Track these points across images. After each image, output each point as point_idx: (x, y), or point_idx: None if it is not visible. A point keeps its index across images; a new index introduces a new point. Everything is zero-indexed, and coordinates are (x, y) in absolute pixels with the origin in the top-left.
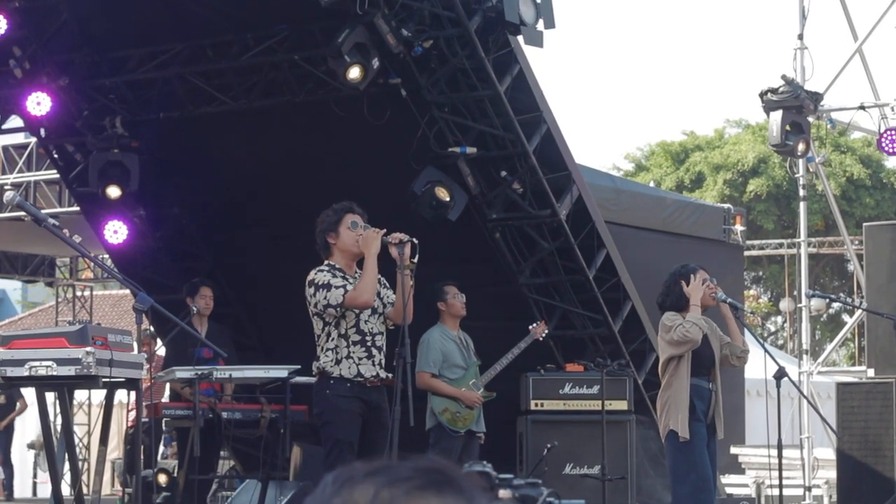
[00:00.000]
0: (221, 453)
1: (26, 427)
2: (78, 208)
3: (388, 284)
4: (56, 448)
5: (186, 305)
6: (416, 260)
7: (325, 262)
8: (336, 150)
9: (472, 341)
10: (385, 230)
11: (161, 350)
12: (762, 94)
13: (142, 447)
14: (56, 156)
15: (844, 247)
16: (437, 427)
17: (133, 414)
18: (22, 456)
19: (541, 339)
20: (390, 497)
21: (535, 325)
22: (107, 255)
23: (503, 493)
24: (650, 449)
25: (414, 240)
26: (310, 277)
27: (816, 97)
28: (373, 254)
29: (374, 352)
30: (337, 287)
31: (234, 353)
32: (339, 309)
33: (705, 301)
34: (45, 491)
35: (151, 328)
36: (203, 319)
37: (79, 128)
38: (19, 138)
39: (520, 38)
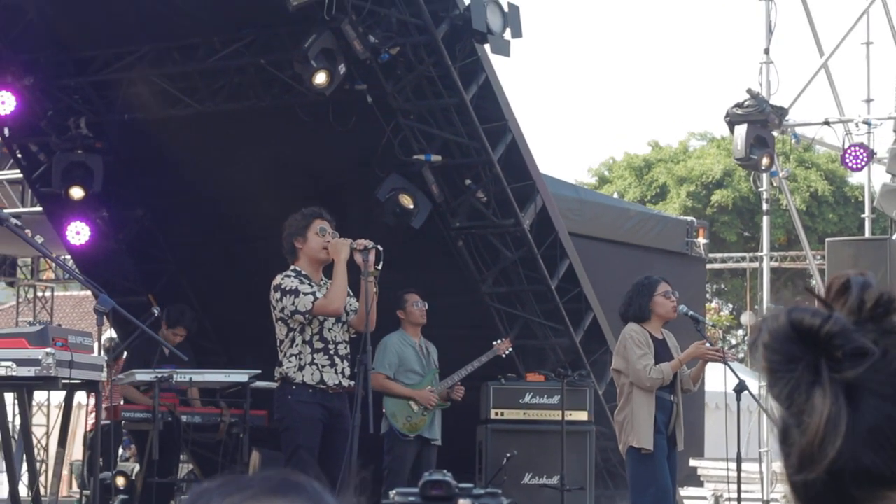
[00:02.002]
0: (181, 457)
1: None
2: (40, 208)
3: (351, 292)
4: (14, 449)
5: (149, 306)
6: (380, 267)
7: (291, 267)
8: (301, 155)
9: (435, 351)
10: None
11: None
12: (728, 112)
13: (100, 449)
14: (19, 155)
15: (807, 261)
16: (390, 432)
17: (93, 416)
18: None
19: (503, 355)
20: (238, 501)
21: (499, 341)
22: (68, 256)
23: (462, 502)
24: (609, 460)
25: (378, 246)
26: (276, 282)
27: (781, 112)
28: (342, 261)
29: (337, 360)
30: (305, 294)
31: (193, 361)
32: (307, 316)
33: (666, 313)
34: (2, 492)
35: (114, 333)
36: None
37: (43, 128)
38: None
39: (486, 47)
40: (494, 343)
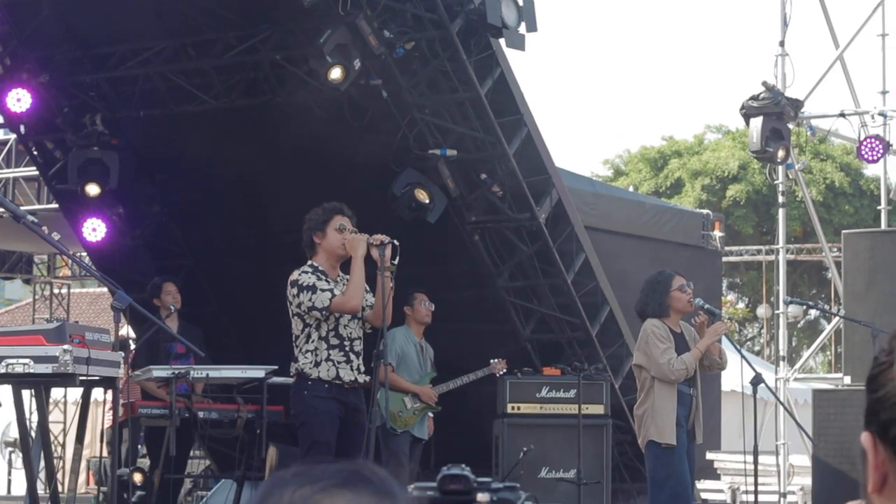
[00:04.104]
0: (197, 452)
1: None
2: (56, 205)
3: (368, 287)
4: (32, 446)
5: (154, 307)
6: (396, 261)
7: (309, 262)
8: (316, 150)
9: (432, 353)
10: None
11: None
12: (743, 105)
13: (121, 446)
14: (35, 153)
15: (822, 254)
16: (382, 426)
17: (111, 413)
18: None
19: (497, 375)
20: (310, 493)
21: (496, 360)
22: (85, 253)
23: (481, 497)
24: (626, 453)
25: (395, 241)
26: (293, 277)
27: (797, 104)
28: (360, 257)
29: (353, 357)
30: (323, 290)
31: (207, 352)
32: (324, 312)
33: (683, 307)
34: (21, 488)
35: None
36: (173, 317)
37: (59, 125)
38: None
39: (501, 41)
40: (491, 361)
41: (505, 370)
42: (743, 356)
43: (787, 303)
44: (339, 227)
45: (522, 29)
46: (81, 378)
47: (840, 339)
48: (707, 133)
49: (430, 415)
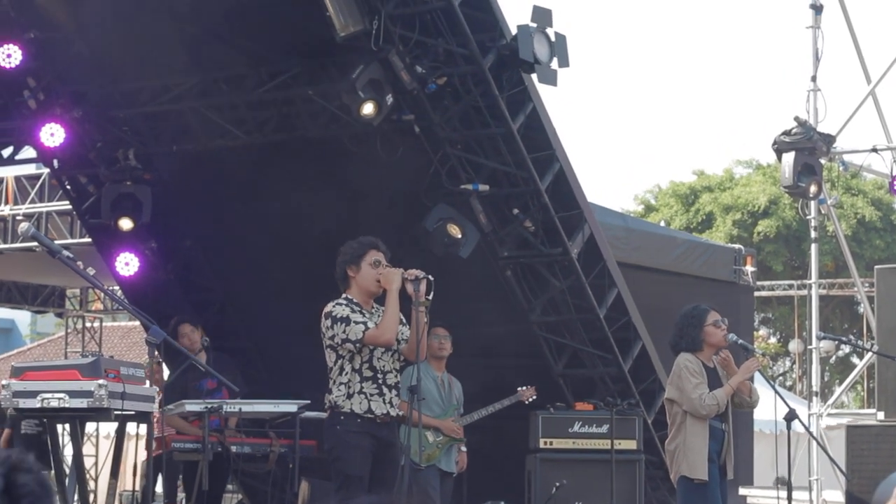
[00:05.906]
0: (230, 487)
1: None
2: (89, 240)
3: (404, 319)
4: (66, 480)
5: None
6: (431, 297)
7: (343, 295)
8: (348, 185)
9: (459, 387)
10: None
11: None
12: (775, 140)
13: (150, 479)
14: (69, 187)
15: (855, 289)
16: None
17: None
18: None
19: (526, 402)
20: None
21: (524, 388)
22: (117, 287)
23: None
24: (659, 489)
25: (429, 276)
26: (327, 309)
27: (829, 139)
28: (394, 290)
29: (385, 390)
30: (357, 322)
31: (243, 384)
32: (357, 345)
33: (718, 342)
34: None
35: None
36: (202, 352)
37: (92, 159)
38: (32, 169)
39: (534, 77)
40: (519, 389)
41: (534, 396)
42: (777, 392)
43: (819, 338)
44: (374, 262)
45: (554, 64)
46: (116, 412)
47: (873, 375)
48: (737, 167)
49: (463, 449)
